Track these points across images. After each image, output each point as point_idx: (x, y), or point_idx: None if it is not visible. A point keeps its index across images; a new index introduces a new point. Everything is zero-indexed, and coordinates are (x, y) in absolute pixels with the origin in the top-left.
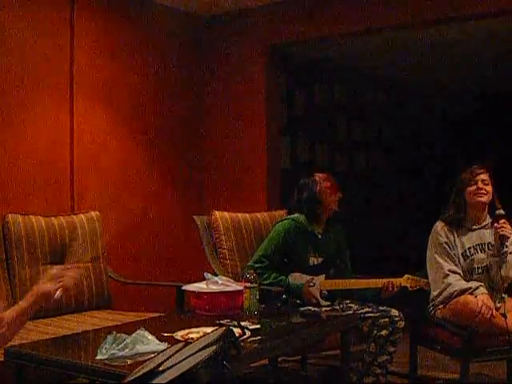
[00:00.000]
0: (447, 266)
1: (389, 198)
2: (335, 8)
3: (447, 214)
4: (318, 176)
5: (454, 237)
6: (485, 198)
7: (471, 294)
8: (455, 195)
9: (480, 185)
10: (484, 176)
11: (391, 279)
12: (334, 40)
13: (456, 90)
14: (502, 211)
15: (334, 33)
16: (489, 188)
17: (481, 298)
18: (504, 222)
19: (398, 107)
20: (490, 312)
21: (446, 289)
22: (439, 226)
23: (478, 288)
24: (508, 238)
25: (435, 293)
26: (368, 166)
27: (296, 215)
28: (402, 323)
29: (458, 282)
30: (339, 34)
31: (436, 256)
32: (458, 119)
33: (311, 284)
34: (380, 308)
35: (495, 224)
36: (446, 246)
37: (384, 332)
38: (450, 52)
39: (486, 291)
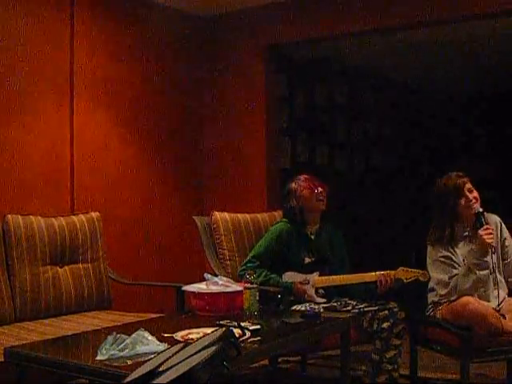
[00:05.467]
0: (447, 276)
1: (389, 198)
2: (335, 8)
3: (435, 235)
4: (297, 181)
5: (450, 247)
6: (478, 204)
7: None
8: (439, 213)
9: (470, 196)
10: (469, 185)
11: (385, 272)
12: (334, 40)
13: (456, 90)
14: (480, 209)
15: (334, 33)
16: (476, 194)
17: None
18: (487, 228)
19: (397, 107)
20: (491, 310)
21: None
22: (431, 247)
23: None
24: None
25: (442, 292)
26: (368, 166)
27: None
28: (403, 314)
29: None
30: (339, 34)
31: (434, 275)
32: (458, 119)
33: (305, 282)
34: (378, 302)
35: (480, 232)
36: (444, 259)
37: (386, 324)
38: (451, 52)
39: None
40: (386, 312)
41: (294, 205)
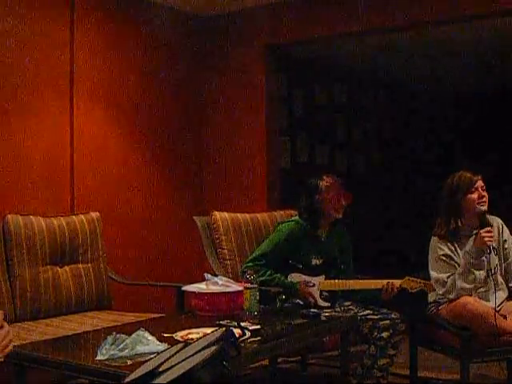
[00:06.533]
0: (445, 275)
1: (389, 199)
2: (335, 8)
3: (440, 229)
4: (324, 182)
5: (454, 247)
6: (486, 206)
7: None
8: (448, 205)
9: (482, 192)
10: (482, 182)
11: (391, 281)
12: (334, 40)
13: (455, 90)
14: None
15: (334, 33)
16: (486, 195)
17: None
18: (489, 231)
19: (397, 107)
20: (491, 311)
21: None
22: (435, 240)
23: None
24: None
25: (440, 291)
26: (368, 166)
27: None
28: (403, 326)
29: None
30: (338, 34)
31: (433, 273)
32: (458, 119)
33: (310, 284)
34: (381, 310)
35: (481, 232)
36: (445, 258)
37: (385, 334)
38: (450, 52)
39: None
40: (387, 322)
41: (316, 203)
